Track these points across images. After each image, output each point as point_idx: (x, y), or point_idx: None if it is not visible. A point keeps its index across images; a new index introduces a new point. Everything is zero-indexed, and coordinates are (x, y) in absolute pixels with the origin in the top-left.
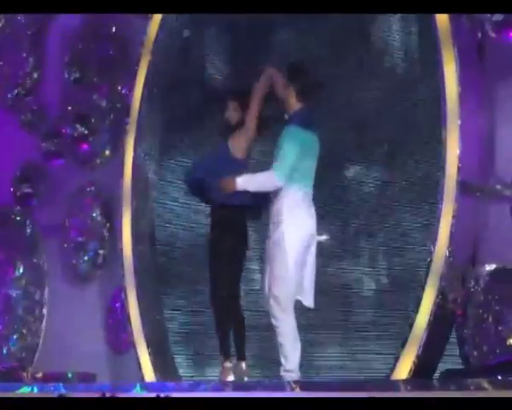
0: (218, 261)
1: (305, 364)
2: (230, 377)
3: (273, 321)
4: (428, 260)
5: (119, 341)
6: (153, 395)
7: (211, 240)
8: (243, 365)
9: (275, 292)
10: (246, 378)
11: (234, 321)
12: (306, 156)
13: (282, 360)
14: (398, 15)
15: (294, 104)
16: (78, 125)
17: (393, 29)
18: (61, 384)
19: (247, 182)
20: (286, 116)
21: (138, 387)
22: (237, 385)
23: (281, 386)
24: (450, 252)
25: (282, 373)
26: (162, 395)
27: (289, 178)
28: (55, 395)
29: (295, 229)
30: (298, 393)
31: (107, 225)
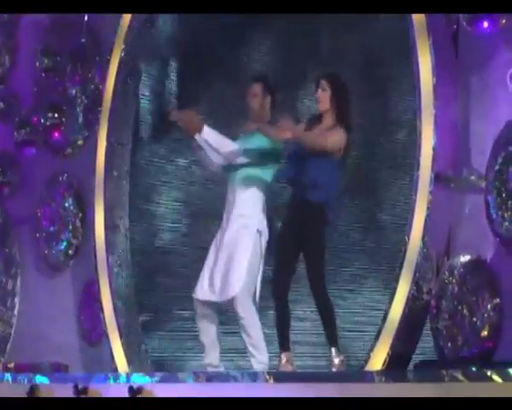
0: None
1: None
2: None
3: (239, 311)
4: (403, 250)
5: (91, 331)
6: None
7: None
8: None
9: (240, 283)
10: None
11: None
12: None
13: (253, 352)
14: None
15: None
16: (50, 114)
17: (367, 21)
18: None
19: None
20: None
21: (111, 378)
22: (210, 377)
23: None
24: (424, 243)
25: (256, 365)
26: (135, 386)
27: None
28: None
29: (263, 227)
30: (272, 385)
31: (80, 214)
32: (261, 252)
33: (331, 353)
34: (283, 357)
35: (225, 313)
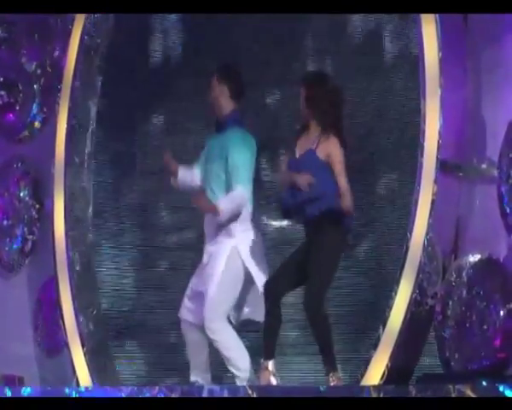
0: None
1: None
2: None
3: (210, 335)
4: (404, 249)
5: (50, 339)
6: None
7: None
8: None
9: (209, 307)
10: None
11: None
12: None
13: (235, 372)
14: None
15: (227, 105)
16: (2, 93)
17: None
18: None
19: (227, 205)
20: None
21: (73, 392)
22: (187, 390)
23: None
24: (428, 240)
25: (240, 383)
26: None
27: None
28: None
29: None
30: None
31: (37, 206)
32: (238, 271)
33: (328, 375)
34: (266, 366)
35: None
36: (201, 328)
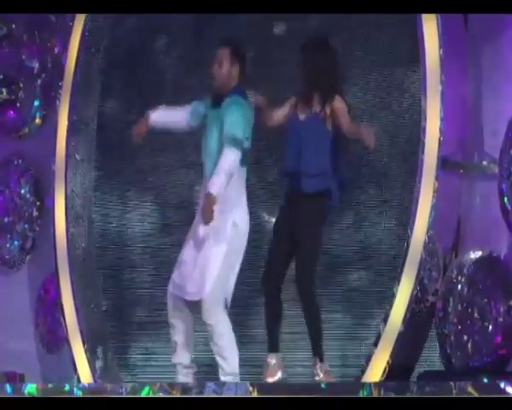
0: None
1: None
2: (277, 376)
3: (207, 319)
4: (405, 246)
5: (51, 336)
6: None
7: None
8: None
9: (208, 287)
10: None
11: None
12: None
13: (221, 363)
14: None
15: (233, 81)
16: (3, 89)
17: None
18: None
19: (219, 182)
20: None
21: (74, 389)
22: (188, 387)
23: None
24: (429, 237)
25: (222, 378)
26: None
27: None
28: None
29: (240, 219)
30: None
31: (38, 203)
32: (237, 250)
33: (315, 364)
34: (271, 360)
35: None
36: (188, 302)
